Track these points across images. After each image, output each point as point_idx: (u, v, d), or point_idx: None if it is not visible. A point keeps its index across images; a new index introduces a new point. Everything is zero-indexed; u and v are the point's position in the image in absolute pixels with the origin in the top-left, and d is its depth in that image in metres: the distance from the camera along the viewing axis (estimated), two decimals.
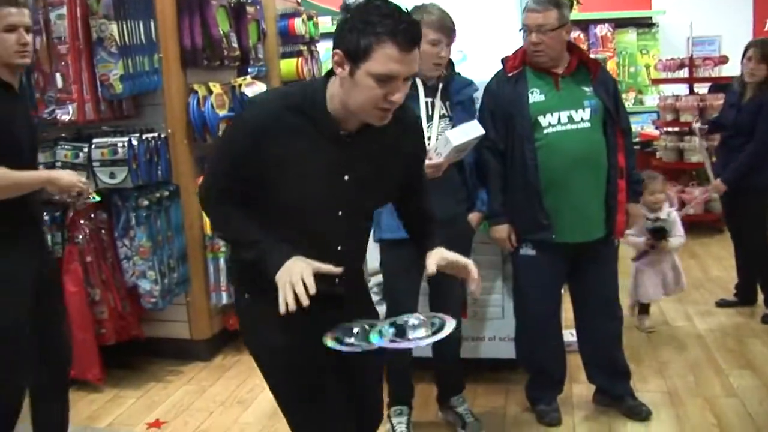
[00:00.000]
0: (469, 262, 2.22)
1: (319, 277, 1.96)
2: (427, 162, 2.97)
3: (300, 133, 2.01)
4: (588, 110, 3.21)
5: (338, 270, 2.02)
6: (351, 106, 1.96)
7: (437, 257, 2.19)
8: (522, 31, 3.23)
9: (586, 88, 3.25)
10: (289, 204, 2.08)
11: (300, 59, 5.33)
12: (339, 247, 2.16)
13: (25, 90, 2.97)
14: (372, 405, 2.47)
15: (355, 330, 2.10)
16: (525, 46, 3.25)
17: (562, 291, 3.59)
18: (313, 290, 1.90)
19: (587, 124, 3.21)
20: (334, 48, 1.93)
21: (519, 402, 3.72)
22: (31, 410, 3.14)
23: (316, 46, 5.76)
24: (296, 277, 1.91)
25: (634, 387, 3.65)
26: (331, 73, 2.01)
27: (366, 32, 1.84)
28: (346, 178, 2.07)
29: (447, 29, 3.11)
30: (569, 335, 3.78)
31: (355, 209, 2.18)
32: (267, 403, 3.87)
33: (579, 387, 3.79)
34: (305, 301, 1.89)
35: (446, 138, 2.94)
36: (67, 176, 2.84)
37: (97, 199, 3.11)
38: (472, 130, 3.00)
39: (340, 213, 2.11)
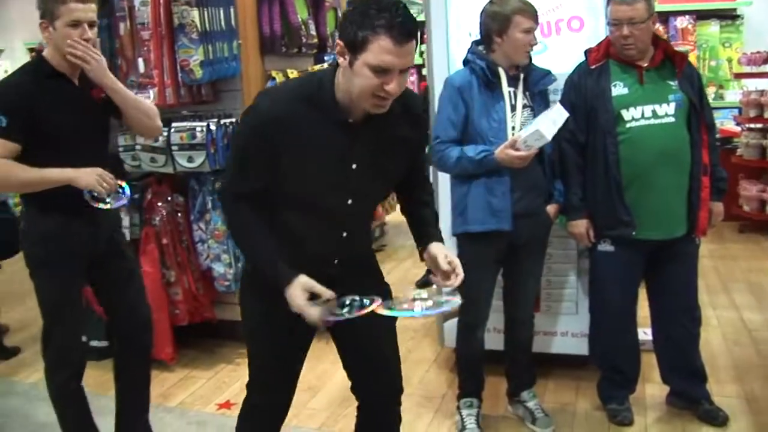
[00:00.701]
0: (460, 274, 2.22)
1: (316, 258, 2.22)
2: (515, 153, 2.95)
3: (310, 122, 2.08)
4: (673, 105, 3.13)
5: (331, 294, 2.10)
6: (352, 95, 2.03)
7: (446, 252, 2.26)
8: (609, 24, 3.16)
9: (671, 82, 3.17)
10: (298, 193, 2.17)
11: None
12: (344, 234, 2.27)
13: (86, 80, 2.88)
14: (391, 376, 2.54)
15: (347, 301, 2.13)
16: (610, 38, 3.18)
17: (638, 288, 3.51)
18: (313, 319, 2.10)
19: (671, 119, 3.13)
20: (338, 38, 2.03)
21: (590, 399, 3.66)
22: (114, 383, 3.27)
23: None
24: (298, 303, 2.09)
25: (711, 391, 3.54)
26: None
27: (364, 25, 1.92)
28: (354, 166, 2.15)
29: (536, 16, 3.10)
30: (643, 333, 3.69)
31: (363, 197, 2.25)
32: (336, 389, 3.89)
33: (652, 387, 3.71)
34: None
35: (540, 133, 2.89)
36: (86, 177, 2.77)
37: (126, 195, 2.98)
38: (558, 116, 2.96)
39: (349, 201, 2.20)
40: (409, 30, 1.93)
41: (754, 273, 5.86)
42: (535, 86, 3.23)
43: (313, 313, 2.07)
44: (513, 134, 3.05)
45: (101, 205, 2.86)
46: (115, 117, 3.11)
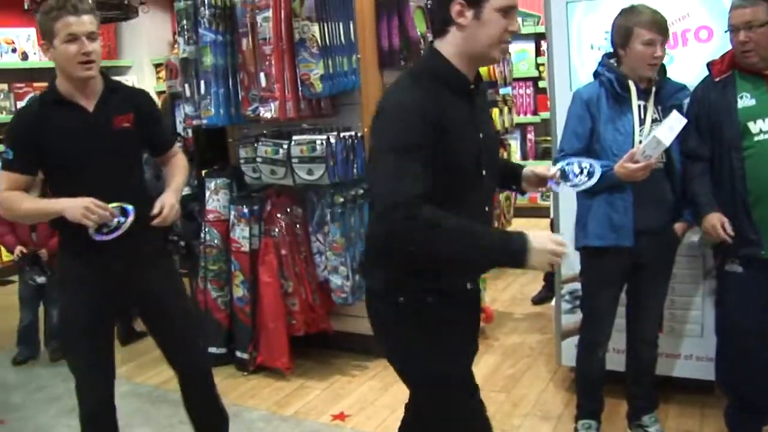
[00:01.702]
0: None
1: None
2: (635, 166, 2.86)
3: (447, 100, 2.09)
4: None
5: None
6: (476, 50, 2.09)
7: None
8: (728, 31, 3.02)
9: None
10: (449, 175, 2.09)
11: None
12: (486, 208, 2.29)
13: (104, 106, 2.78)
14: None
15: None
16: (733, 49, 3.05)
17: None
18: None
19: None
20: (447, 5, 2.07)
21: (716, 428, 3.48)
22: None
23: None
24: (552, 246, 1.98)
25: None
26: (434, 39, 2.18)
27: None
28: (481, 135, 2.19)
29: (661, 28, 2.99)
30: None
31: (491, 167, 2.26)
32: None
33: None
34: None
35: (657, 140, 2.79)
36: (71, 209, 2.61)
37: (132, 212, 2.71)
38: (676, 123, 2.84)
39: (484, 173, 2.20)
40: None
41: None
42: (668, 100, 3.13)
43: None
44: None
45: (98, 237, 2.67)
46: (150, 153, 3.12)
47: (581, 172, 2.53)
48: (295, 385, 4.34)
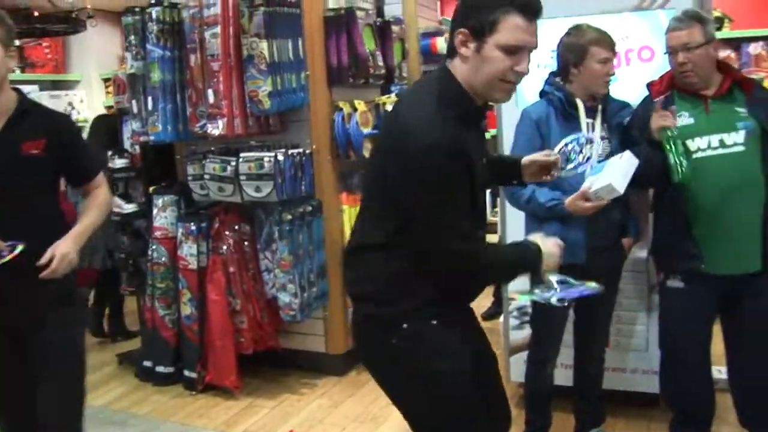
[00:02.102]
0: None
1: None
2: (585, 205, 2.88)
3: (467, 130, 2.04)
4: (742, 132, 3.02)
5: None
6: (477, 84, 2.02)
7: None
8: (666, 53, 3.09)
9: (740, 109, 3.06)
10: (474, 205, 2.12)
11: None
12: (480, 234, 2.25)
13: (12, 130, 2.53)
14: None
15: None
16: (672, 70, 3.12)
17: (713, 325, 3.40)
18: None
19: (741, 148, 3.02)
20: (455, 30, 2.01)
21: None
22: None
23: None
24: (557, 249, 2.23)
25: None
26: (445, 61, 2.10)
27: (492, 6, 1.94)
28: (484, 161, 2.17)
29: (613, 47, 3.09)
30: (717, 372, 3.57)
31: (485, 192, 2.32)
32: (400, 420, 3.82)
33: (729, 429, 3.58)
34: None
35: (612, 187, 2.79)
36: None
37: (18, 251, 2.44)
38: (629, 167, 2.87)
39: (483, 200, 2.22)
40: (537, 7, 1.97)
41: None
42: (613, 118, 3.20)
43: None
44: (587, 172, 2.99)
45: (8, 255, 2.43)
46: (68, 182, 2.86)
47: (580, 151, 2.58)
48: (244, 403, 4.30)
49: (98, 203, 2.79)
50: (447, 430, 2.24)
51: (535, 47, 2.01)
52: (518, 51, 1.96)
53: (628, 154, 2.92)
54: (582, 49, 3.05)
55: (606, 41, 3.05)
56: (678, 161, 2.94)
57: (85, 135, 5.03)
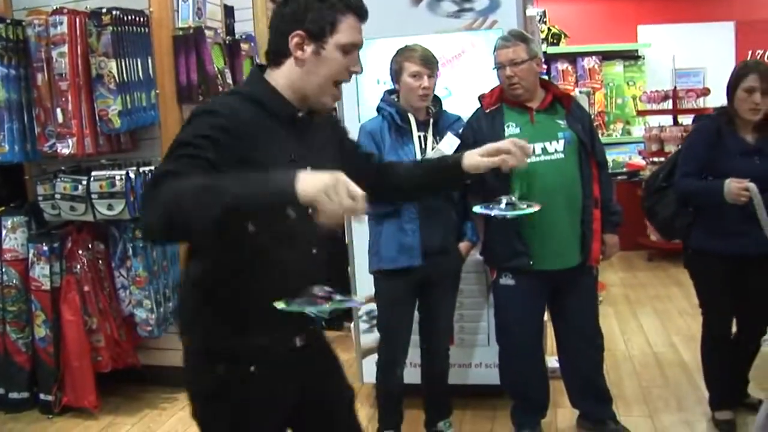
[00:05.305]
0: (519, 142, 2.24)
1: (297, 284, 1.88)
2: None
3: (257, 117, 1.92)
4: (561, 141, 3.34)
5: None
6: (309, 88, 1.96)
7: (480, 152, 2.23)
8: (496, 68, 3.38)
9: (560, 122, 3.38)
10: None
11: None
12: (314, 250, 2.06)
13: None
14: None
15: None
16: (501, 84, 3.40)
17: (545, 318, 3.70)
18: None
19: (561, 155, 3.34)
20: (285, 33, 1.94)
21: (505, 427, 3.80)
22: None
23: None
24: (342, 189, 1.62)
25: (618, 412, 3.75)
26: (261, 68, 2.03)
27: (329, 8, 1.94)
28: (308, 168, 1.78)
29: (426, 62, 3.30)
30: (554, 361, 3.88)
31: None
32: None
33: (563, 411, 3.89)
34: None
35: (441, 153, 3.21)
36: None
37: None
38: (453, 141, 3.30)
39: (309, 210, 1.65)
40: (365, 8, 2.01)
41: (661, 299, 6.20)
42: (445, 131, 3.44)
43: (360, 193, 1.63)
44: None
45: None
46: None
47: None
48: (104, 422, 4.27)
49: None
50: None
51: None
52: (352, 51, 1.98)
53: (449, 135, 3.39)
54: (398, 65, 3.33)
55: (416, 57, 3.29)
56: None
57: None
